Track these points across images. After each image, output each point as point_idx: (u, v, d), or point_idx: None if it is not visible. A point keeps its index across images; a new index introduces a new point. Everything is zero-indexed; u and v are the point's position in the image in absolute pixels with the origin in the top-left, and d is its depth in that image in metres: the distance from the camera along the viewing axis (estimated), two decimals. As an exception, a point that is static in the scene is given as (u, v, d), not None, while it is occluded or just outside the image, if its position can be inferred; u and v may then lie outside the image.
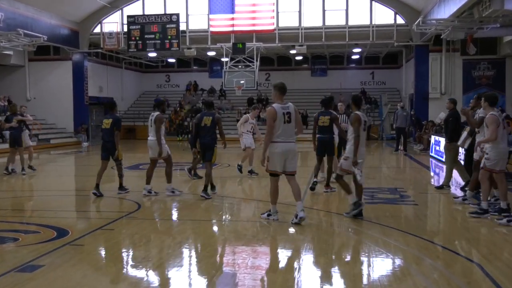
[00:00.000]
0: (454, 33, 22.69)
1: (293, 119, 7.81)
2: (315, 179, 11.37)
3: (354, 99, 8.58)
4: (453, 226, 8.03)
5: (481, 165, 8.36)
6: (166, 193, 10.79)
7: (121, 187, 11.15)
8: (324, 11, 29.09)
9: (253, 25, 29.07)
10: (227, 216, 9.14)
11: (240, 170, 13.62)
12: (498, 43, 27.01)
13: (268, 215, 8.19)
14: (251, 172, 13.67)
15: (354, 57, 37.11)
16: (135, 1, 30.50)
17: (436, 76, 27.74)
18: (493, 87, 27.04)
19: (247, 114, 14.02)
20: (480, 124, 8.77)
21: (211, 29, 29.32)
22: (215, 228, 8.22)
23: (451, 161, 10.97)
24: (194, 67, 40.32)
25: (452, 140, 10.69)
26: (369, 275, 5.61)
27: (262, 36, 29.37)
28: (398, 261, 6.05)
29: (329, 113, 11.09)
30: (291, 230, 7.73)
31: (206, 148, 10.46)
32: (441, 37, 24.64)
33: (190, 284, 5.38)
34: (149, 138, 10.77)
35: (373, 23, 28.46)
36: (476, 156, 9.12)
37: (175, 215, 9.51)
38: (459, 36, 23.33)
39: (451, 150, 10.80)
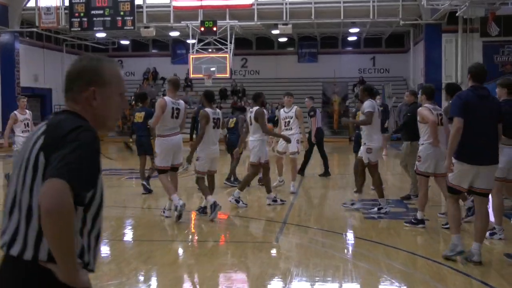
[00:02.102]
0: (472, 9, 22.94)
1: (180, 117, 9.52)
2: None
3: (206, 94, 10.11)
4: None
5: (415, 168, 9.26)
6: (267, 202, 11.15)
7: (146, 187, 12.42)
8: (313, -19, 29.22)
9: (226, -2, 29.10)
10: (195, 235, 9.13)
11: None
12: (525, 22, 27.43)
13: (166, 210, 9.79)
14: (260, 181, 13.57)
15: (350, 38, 37.38)
16: (79, -32, 30.33)
17: (450, 61, 28.03)
18: (520, 75, 27.45)
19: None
20: (371, 119, 9.94)
21: (174, 3, 29.21)
22: (180, 251, 8.20)
23: (406, 162, 11.69)
24: (153, 51, 40.21)
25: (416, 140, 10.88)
26: (369, 306, 5.66)
27: (237, 12, 29.40)
28: (405, 289, 6.10)
29: None
30: (273, 252, 7.76)
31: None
32: (457, 14, 24.89)
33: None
34: (250, 139, 11.09)
35: (374, -3, 28.64)
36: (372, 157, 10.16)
37: (129, 235, 9.47)
38: (479, 13, 23.61)
39: (414, 151, 10.91)
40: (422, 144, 8.91)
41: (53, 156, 2.29)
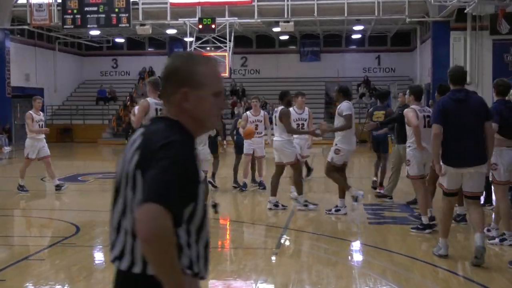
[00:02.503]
0: (482, 6, 22.93)
1: None
2: (374, 178, 13.26)
3: None
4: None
5: (406, 174, 9.44)
6: (297, 207, 11.13)
7: None
8: (316, -23, 29.21)
9: (226, -6, 29.10)
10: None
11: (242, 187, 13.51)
12: (537, 19, 27.40)
13: None
14: (260, 185, 13.79)
15: (354, 36, 37.35)
16: (72, -37, 30.31)
17: (459, 60, 27.93)
18: (531, 74, 27.41)
19: (247, 112, 13.79)
20: (351, 122, 10.11)
21: (171, 0, 29.24)
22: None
23: (399, 166, 11.84)
24: (149, 49, 40.20)
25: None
26: (374, 315, 5.67)
27: (237, 9, 29.39)
28: (410, 297, 6.12)
29: (384, 107, 13.16)
30: (274, 258, 7.75)
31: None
32: (466, 11, 24.89)
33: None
34: (274, 139, 11.16)
35: (379, -7, 28.62)
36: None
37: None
38: (488, 10, 23.59)
39: (404, 152, 10.91)
40: (409, 146, 9.06)
41: (146, 175, 2.31)
